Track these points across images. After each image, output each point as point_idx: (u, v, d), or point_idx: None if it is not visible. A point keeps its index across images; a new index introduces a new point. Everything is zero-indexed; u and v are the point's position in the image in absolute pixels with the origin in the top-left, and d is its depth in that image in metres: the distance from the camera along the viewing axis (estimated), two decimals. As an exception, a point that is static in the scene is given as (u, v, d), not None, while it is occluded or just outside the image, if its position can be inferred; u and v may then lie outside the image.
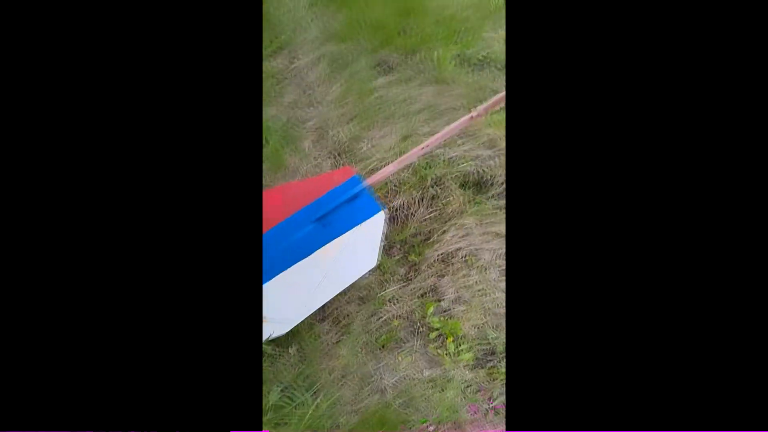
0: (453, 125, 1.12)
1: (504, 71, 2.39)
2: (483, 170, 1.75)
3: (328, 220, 1.08)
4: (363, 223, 1.08)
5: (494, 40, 2.53)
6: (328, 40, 2.19)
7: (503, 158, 1.83)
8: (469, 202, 1.67)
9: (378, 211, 1.12)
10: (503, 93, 1.11)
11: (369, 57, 2.12)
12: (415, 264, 1.48)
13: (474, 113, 1.12)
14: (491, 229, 1.57)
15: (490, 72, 2.25)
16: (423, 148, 1.12)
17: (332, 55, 2.10)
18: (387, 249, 1.53)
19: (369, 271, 1.15)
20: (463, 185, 1.72)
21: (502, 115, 2.06)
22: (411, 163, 1.67)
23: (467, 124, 1.14)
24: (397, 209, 1.59)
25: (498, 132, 1.92)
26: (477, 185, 1.76)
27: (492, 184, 1.76)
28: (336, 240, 1.06)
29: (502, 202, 1.70)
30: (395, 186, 1.61)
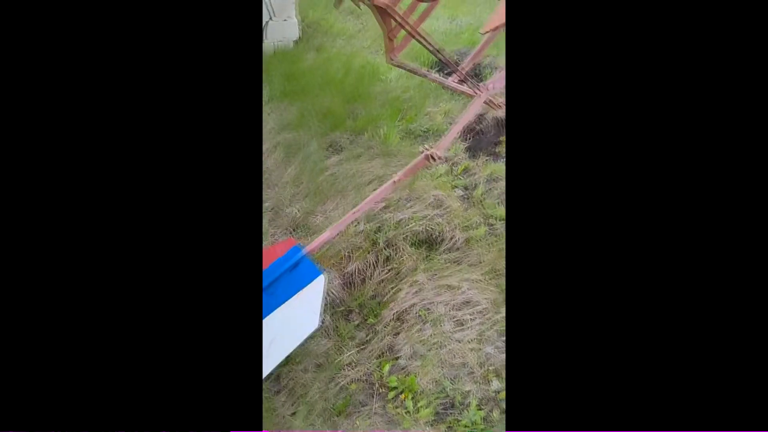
0: (379, 190, 1.24)
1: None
2: (432, 228, 1.86)
3: (273, 289, 1.13)
4: (305, 288, 1.14)
5: (436, 113, 2.81)
6: (283, 129, 2.42)
7: (450, 216, 1.95)
8: (423, 259, 1.75)
9: (318, 275, 1.19)
10: (422, 156, 1.24)
11: (320, 140, 2.33)
12: (373, 326, 1.51)
13: (396, 178, 1.25)
14: (443, 282, 1.63)
15: (433, 141, 2.48)
16: (354, 213, 1.22)
17: (287, 142, 2.30)
18: (345, 314, 1.56)
19: (312, 332, 1.18)
20: (414, 244, 1.81)
21: (448, 178, 2.23)
22: (362, 230, 1.77)
23: (392, 188, 1.26)
24: (352, 274, 1.66)
25: (443, 192, 2.07)
26: (428, 242, 1.85)
27: (442, 240, 1.85)
28: (280, 307, 1.10)
29: (453, 254, 1.79)
30: (349, 253, 1.69)
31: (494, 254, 1.79)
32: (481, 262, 1.76)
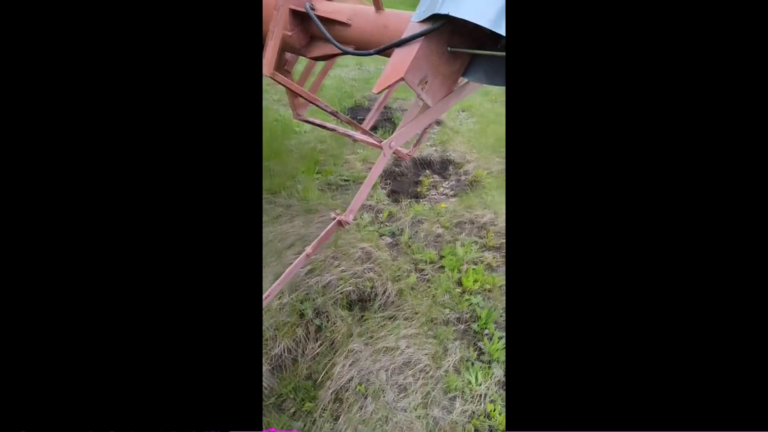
0: (290, 267, 1.15)
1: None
2: (363, 285, 1.79)
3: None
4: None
5: (355, 161, 2.81)
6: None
7: (381, 268, 1.89)
8: (357, 321, 1.65)
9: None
10: (333, 222, 1.18)
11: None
12: (310, 412, 1.36)
13: (308, 251, 1.16)
14: (380, 345, 1.54)
15: (354, 190, 2.45)
16: (266, 297, 1.11)
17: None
18: (278, 405, 1.40)
19: None
20: (346, 306, 1.72)
21: (374, 227, 2.19)
22: (285, 303, 1.64)
23: (305, 261, 1.18)
24: (281, 356, 1.51)
25: (371, 244, 2.02)
26: (360, 302, 1.77)
27: (375, 296, 1.78)
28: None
29: (388, 311, 1.71)
30: (274, 331, 1.55)
31: (428, 302, 1.75)
32: (416, 314, 1.70)
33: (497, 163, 2.84)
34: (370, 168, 2.96)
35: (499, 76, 1.23)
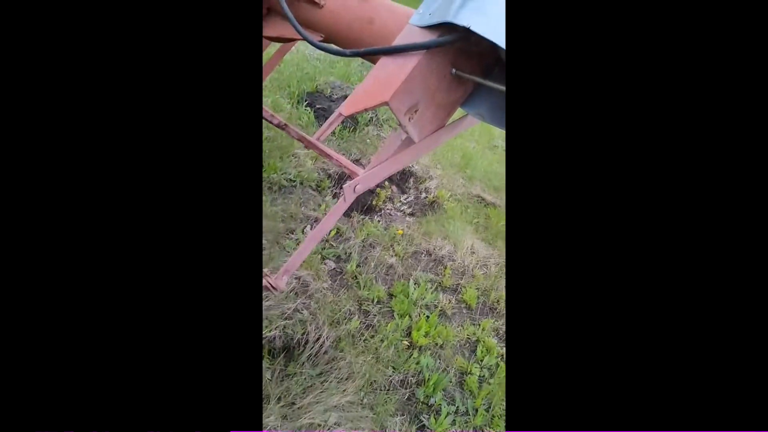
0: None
1: (319, 192, 2.26)
2: (293, 329, 1.45)
3: None
4: None
5: (306, 157, 2.42)
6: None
7: (317, 305, 1.57)
8: (277, 380, 1.32)
9: None
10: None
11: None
12: None
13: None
14: (303, 420, 1.23)
15: (300, 195, 2.08)
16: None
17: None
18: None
19: None
20: (267, 355, 1.38)
21: (317, 246, 1.85)
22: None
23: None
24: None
25: (310, 270, 1.69)
26: (286, 350, 1.43)
27: (306, 344, 1.46)
28: None
29: (318, 367, 1.40)
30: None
31: (369, 360, 1.46)
32: (353, 373, 1.41)
33: (461, 185, 2.61)
34: (322, 168, 2.60)
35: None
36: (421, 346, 1.56)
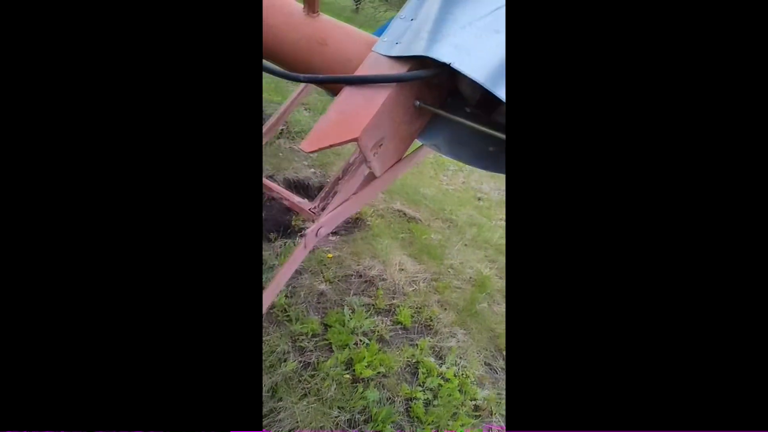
0: None
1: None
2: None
3: None
4: None
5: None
6: None
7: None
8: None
9: None
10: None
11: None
12: None
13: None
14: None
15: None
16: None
17: None
18: None
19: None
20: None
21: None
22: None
23: None
24: None
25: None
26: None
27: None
28: None
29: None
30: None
31: (312, 403, 1.34)
32: (297, 423, 1.27)
33: (382, 201, 2.60)
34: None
35: (464, 149, 0.93)
36: (364, 379, 1.49)
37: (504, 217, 2.99)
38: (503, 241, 2.62)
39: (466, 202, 2.99)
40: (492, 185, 3.40)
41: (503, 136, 0.71)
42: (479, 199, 3.16)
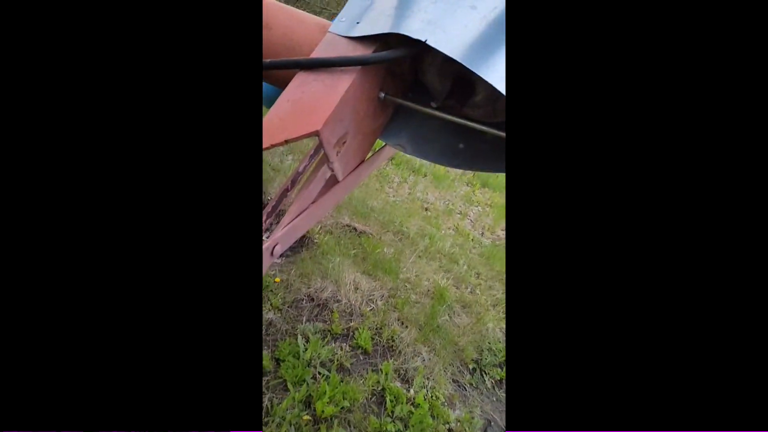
0: None
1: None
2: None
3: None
4: None
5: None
6: None
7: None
8: None
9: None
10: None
11: None
12: None
13: None
14: None
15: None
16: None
17: None
18: None
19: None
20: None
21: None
22: None
23: None
24: None
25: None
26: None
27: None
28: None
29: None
30: None
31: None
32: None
33: (329, 216, 2.44)
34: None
35: (431, 146, 0.83)
36: (327, 418, 1.31)
37: (452, 225, 2.98)
38: (455, 250, 2.58)
39: (414, 212, 2.93)
40: (437, 195, 3.39)
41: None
42: (426, 209, 3.12)
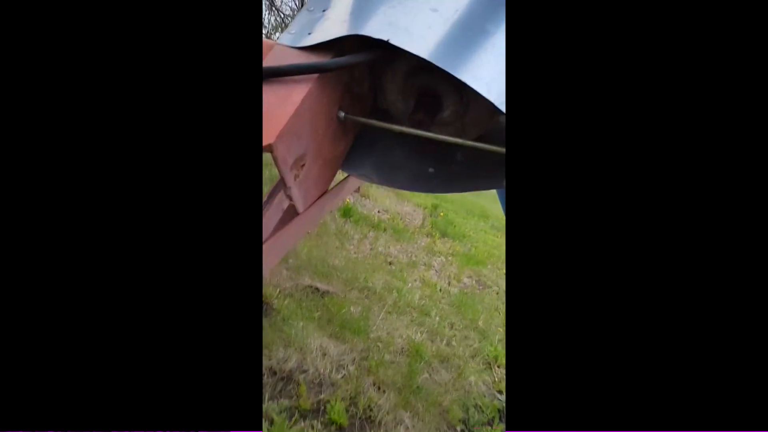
0: None
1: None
2: None
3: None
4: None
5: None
6: None
7: None
8: None
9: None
10: None
11: None
12: None
13: None
14: None
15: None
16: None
17: None
18: None
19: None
20: None
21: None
22: None
23: None
24: None
25: None
26: None
27: None
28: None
29: None
30: None
31: None
32: None
33: (287, 278, 2.27)
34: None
35: (400, 173, 0.77)
36: None
37: (418, 277, 2.89)
38: (424, 302, 2.47)
39: (378, 267, 2.82)
40: (398, 248, 3.33)
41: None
42: (390, 263, 3.02)
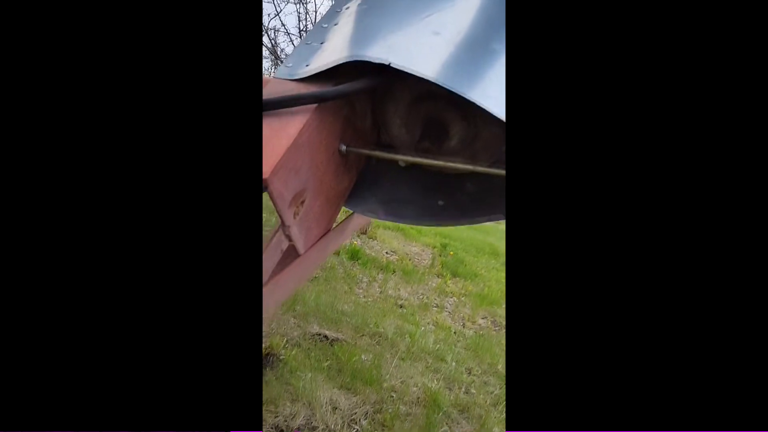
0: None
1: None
2: None
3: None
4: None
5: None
6: None
7: None
8: None
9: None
10: None
11: None
12: None
13: None
14: None
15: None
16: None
17: None
18: None
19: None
20: None
21: None
22: None
23: None
24: None
25: None
26: None
27: None
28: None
29: None
30: None
31: None
32: None
33: (294, 326, 2.18)
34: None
35: (407, 208, 0.72)
36: None
37: (431, 320, 2.76)
38: (439, 347, 2.34)
39: (389, 311, 2.71)
40: (409, 290, 3.22)
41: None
42: (401, 306, 2.91)
